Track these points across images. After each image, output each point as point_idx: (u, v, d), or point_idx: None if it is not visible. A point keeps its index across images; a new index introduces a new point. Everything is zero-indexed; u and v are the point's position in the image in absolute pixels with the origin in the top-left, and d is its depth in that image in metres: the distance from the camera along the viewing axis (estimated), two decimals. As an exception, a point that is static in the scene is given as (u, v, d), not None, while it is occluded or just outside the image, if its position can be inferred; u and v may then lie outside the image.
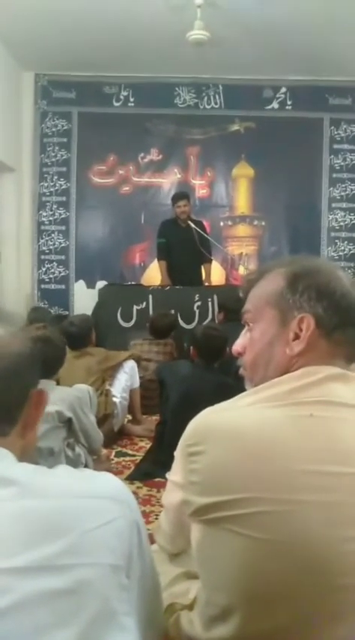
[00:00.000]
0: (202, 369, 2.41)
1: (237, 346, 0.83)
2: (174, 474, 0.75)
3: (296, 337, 0.73)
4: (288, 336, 0.74)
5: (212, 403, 0.73)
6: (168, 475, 0.80)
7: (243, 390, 0.78)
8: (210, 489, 0.64)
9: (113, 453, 2.70)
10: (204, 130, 5.33)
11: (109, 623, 0.51)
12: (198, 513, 0.65)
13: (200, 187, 5.41)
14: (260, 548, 0.59)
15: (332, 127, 5.31)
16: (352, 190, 5.33)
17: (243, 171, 5.39)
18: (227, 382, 2.14)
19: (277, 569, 0.58)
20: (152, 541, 0.86)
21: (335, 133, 5.32)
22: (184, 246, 4.43)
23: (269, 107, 5.30)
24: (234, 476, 0.62)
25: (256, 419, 0.66)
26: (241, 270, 5.28)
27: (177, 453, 0.74)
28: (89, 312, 3.99)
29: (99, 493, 0.56)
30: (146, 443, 2.79)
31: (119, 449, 2.78)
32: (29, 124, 5.19)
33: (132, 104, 5.28)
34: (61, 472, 0.58)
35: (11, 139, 4.92)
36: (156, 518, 0.95)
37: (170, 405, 2.33)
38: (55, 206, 5.31)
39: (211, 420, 0.69)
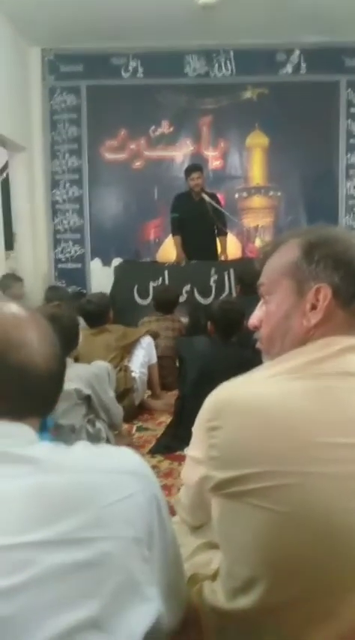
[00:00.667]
0: (220, 343, 2.41)
1: (253, 319, 0.83)
2: (193, 450, 0.75)
3: (313, 308, 0.72)
4: (305, 307, 0.72)
5: (230, 378, 0.72)
6: (186, 451, 0.80)
7: (260, 363, 0.78)
8: (229, 464, 0.64)
9: (134, 428, 2.74)
10: (216, 99, 5.19)
11: (132, 594, 0.52)
12: (218, 488, 0.65)
13: (213, 159, 5.31)
14: (280, 521, 0.59)
15: (349, 90, 5.11)
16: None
17: (257, 141, 5.25)
18: (245, 356, 2.13)
19: (298, 541, 0.59)
20: (173, 513, 0.88)
21: (353, 96, 5.12)
22: (198, 220, 4.37)
23: (283, 72, 5.11)
24: (253, 450, 0.62)
25: (274, 392, 0.66)
26: (257, 243, 5.21)
27: (195, 429, 0.74)
28: (106, 290, 4.01)
29: (118, 468, 0.57)
30: (166, 417, 2.82)
31: (140, 424, 2.82)
32: (38, 101, 5.12)
33: (142, 75, 5.15)
34: (79, 448, 0.59)
35: (21, 117, 4.87)
36: (178, 491, 0.96)
37: (188, 381, 2.34)
38: (68, 184, 5.28)
39: (229, 394, 0.69)
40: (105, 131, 5.23)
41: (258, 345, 0.83)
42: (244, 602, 0.63)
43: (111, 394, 2.28)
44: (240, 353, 2.23)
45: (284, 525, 0.59)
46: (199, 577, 0.79)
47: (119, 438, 2.39)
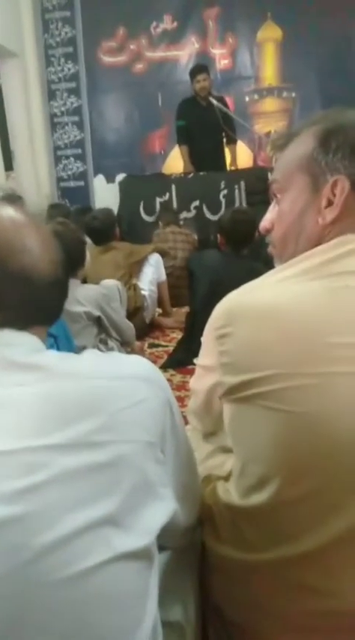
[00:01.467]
0: (231, 257, 2.34)
1: (265, 222, 0.77)
2: (203, 358, 0.74)
3: (330, 204, 0.67)
4: (321, 204, 0.67)
5: (243, 290, 0.70)
6: (196, 361, 0.79)
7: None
8: (241, 368, 0.63)
9: (146, 345, 2.78)
10: (223, -15, 4.66)
11: (148, 493, 0.54)
12: (230, 392, 0.65)
13: (221, 57, 4.87)
14: (293, 421, 0.60)
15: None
16: None
17: (270, 34, 4.77)
18: (257, 267, 2.07)
19: (311, 439, 0.59)
20: (186, 422, 0.89)
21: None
22: (206, 127, 4.09)
23: None
24: (265, 353, 0.61)
25: (287, 294, 0.63)
26: (270, 151, 4.93)
27: (204, 339, 0.73)
28: (112, 207, 3.87)
29: (130, 374, 0.57)
30: (177, 334, 2.84)
31: (151, 341, 2.85)
32: (27, -1, 4.66)
33: None
34: (89, 356, 0.59)
35: (9, 19, 4.44)
36: (190, 401, 0.98)
37: (199, 296, 2.31)
38: (65, 94, 4.96)
39: (238, 300, 0.67)
40: (101, 30, 4.81)
41: (270, 249, 0.79)
42: (258, 498, 0.64)
43: (123, 312, 2.27)
44: (251, 266, 2.17)
45: (299, 425, 0.60)
46: (213, 478, 0.80)
47: (132, 354, 2.41)
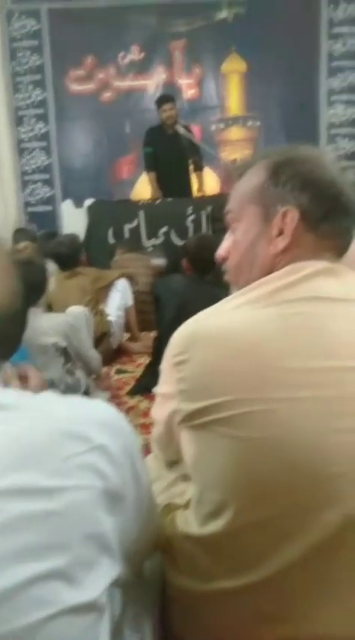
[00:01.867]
0: (196, 281, 2.37)
1: (222, 250, 0.80)
2: (162, 386, 0.75)
3: (281, 233, 0.70)
4: (272, 233, 0.70)
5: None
6: (155, 390, 0.80)
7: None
8: (198, 395, 0.64)
9: (113, 371, 2.74)
10: (189, 20, 4.83)
11: (100, 546, 0.51)
12: (188, 419, 0.66)
13: (188, 87, 5.00)
14: (248, 447, 0.61)
15: (331, 7, 4.78)
16: (353, 80, 4.92)
17: (234, 66, 4.94)
18: (221, 293, 2.08)
19: (266, 465, 0.60)
20: (150, 450, 0.92)
21: (334, 14, 4.80)
22: (173, 154, 4.17)
23: (260, -13, 4.74)
24: (220, 379, 0.62)
25: (240, 321, 0.65)
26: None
27: (163, 366, 0.73)
28: (80, 233, 3.86)
29: (89, 418, 0.55)
30: (145, 359, 2.82)
31: (118, 366, 2.83)
32: (-6, 27, 4.70)
33: (107, -6, 4.74)
34: (48, 397, 0.56)
35: (-24, 46, 4.48)
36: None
37: (165, 320, 2.32)
38: (33, 120, 4.97)
39: (194, 327, 0.68)
40: (70, 59, 4.88)
41: (226, 276, 0.81)
42: (215, 526, 0.64)
43: (89, 342, 2.24)
44: (215, 290, 2.18)
45: (255, 451, 0.60)
46: (172, 507, 0.80)
47: (98, 381, 2.38)
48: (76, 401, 0.57)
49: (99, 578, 0.50)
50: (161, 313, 2.43)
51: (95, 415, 0.55)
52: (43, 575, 0.46)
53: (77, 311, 2.26)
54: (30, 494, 0.47)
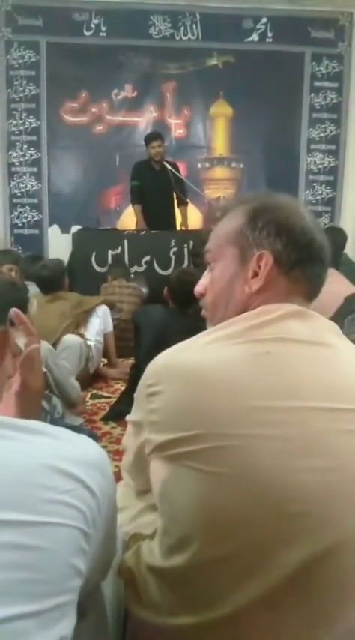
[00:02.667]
0: (176, 313, 2.42)
1: (199, 287, 0.83)
2: (134, 416, 0.75)
3: (255, 275, 0.73)
4: (247, 274, 0.73)
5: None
6: (127, 418, 0.80)
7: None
8: (167, 427, 0.65)
9: (88, 396, 2.75)
10: (181, 64, 5.07)
11: (69, 584, 0.49)
12: (156, 450, 0.66)
13: (176, 127, 5.21)
14: (213, 481, 0.61)
15: (314, 63, 5.12)
16: (331, 132, 5.23)
17: (222, 110, 5.19)
18: (199, 326, 2.15)
19: (230, 500, 0.60)
20: (120, 478, 0.91)
21: (317, 69, 5.14)
22: (159, 188, 4.30)
23: (249, 40, 5.05)
24: (190, 413, 0.63)
25: (213, 357, 0.66)
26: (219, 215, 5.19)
27: (136, 395, 0.74)
28: (64, 258, 3.92)
29: (71, 457, 0.53)
30: (121, 385, 2.84)
31: (94, 391, 2.83)
32: (-7, 55, 4.85)
33: (104, 34, 4.96)
34: (41, 427, 0.54)
35: (-26, 72, 4.60)
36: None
37: (143, 349, 2.35)
38: (25, 146, 5.07)
39: (168, 360, 0.69)
40: (65, 92, 5.03)
41: (203, 312, 0.85)
42: (179, 559, 0.64)
43: (73, 371, 2.16)
44: (194, 323, 2.24)
45: (217, 486, 0.61)
46: (139, 537, 0.80)
47: (73, 406, 2.38)
48: (61, 437, 0.56)
49: (71, 619, 0.48)
50: (139, 341, 2.47)
51: (78, 454, 0.54)
52: (14, 618, 0.43)
53: (73, 341, 2.23)
54: (10, 526, 0.45)
